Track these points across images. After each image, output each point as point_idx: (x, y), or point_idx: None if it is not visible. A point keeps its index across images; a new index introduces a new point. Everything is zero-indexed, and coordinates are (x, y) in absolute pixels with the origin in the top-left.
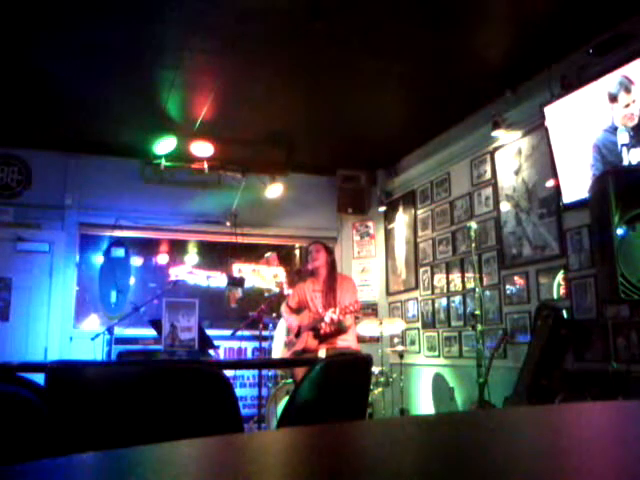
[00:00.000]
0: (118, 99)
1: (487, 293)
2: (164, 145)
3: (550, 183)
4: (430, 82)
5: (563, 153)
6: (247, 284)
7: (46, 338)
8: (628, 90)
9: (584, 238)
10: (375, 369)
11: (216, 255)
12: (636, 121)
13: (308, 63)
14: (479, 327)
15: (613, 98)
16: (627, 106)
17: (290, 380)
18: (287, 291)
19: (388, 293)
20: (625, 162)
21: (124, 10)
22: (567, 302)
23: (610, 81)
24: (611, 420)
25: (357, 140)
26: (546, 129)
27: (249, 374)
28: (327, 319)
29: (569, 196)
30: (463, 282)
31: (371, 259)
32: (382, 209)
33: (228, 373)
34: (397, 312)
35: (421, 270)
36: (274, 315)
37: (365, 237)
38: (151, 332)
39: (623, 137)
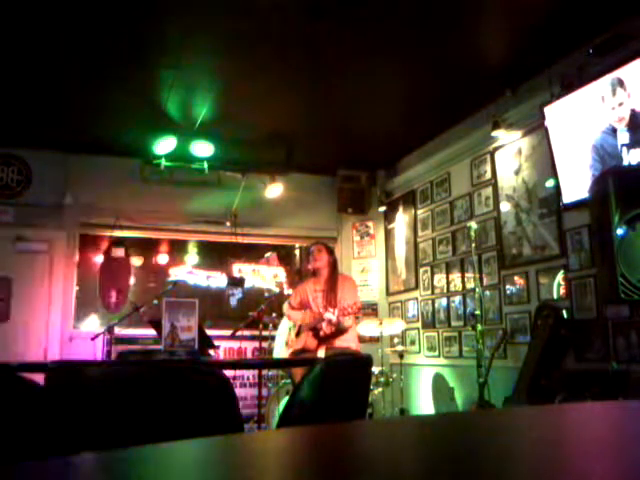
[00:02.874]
0: (118, 99)
1: (487, 293)
2: (164, 145)
3: (550, 183)
4: (430, 82)
5: (563, 153)
6: (247, 284)
7: (46, 338)
8: (614, 92)
9: (584, 238)
10: (375, 369)
11: (216, 255)
12: (626, 121)
13: (308, 63)
14: (479, 327)
15: (605, 99)
16: (620, 105)
17: (289, 380)
18: (287, 291)
19: (388, 293)
20: (625, 162)
21: (124, 10)
22: (567, 302)
23: (605, 82)
24: (611, 420)
25: (357, 140)
26: (546, 129)
27: (249, 374)
28: (325, 319)
29: (569, 196)
30: (463, 282)
31: (371, 259)
32: (382, 209)
33: (228, 373)
34: (397, 312)
35: (421, 270)
36: (274, 315)
37: (365, 237)
38: (151, 332)
39: (623, 137)
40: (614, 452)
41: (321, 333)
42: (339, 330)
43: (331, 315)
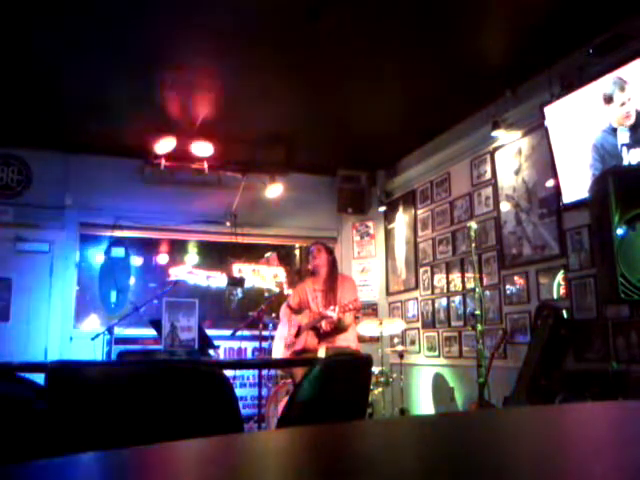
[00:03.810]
0: (118, 99)
1: (487, 293)
2: (164, 145)
3: (550, 183)
4: (430, 82)
5: (563, 153)
6: (247, 284)
7: (46, 338)
8: (622, 89)
9: (584, 238)
10: (375, 369)
11: (216, 255)
12: (633, 120)
13: (308, 63)
14: (479, 327)
15: (609, 99)
16: (622, 105)
17: (289, 380)
18: (287, 291)
19: (388, 293)
20: (625, 162)
21: (124, 10)
22: (567, 302)
23: (606, 82)
24: (611, 420)
25: (357, 140)
26: (546, 129)
27: (249, 374)
28: (325, 316)
29: (569, 196)
30: (463, 282)
31: (371, 259)
32: (382, 209)
33: (228, 373)
34: (397, 312)
35: (421, 270)
36: (274, 315)
37: (365, 237)
38: (151, 332)
39: (623, 137)
40: (614, 452)
41: (321, 330)
42: (339, 328)
43: (332, 312)
